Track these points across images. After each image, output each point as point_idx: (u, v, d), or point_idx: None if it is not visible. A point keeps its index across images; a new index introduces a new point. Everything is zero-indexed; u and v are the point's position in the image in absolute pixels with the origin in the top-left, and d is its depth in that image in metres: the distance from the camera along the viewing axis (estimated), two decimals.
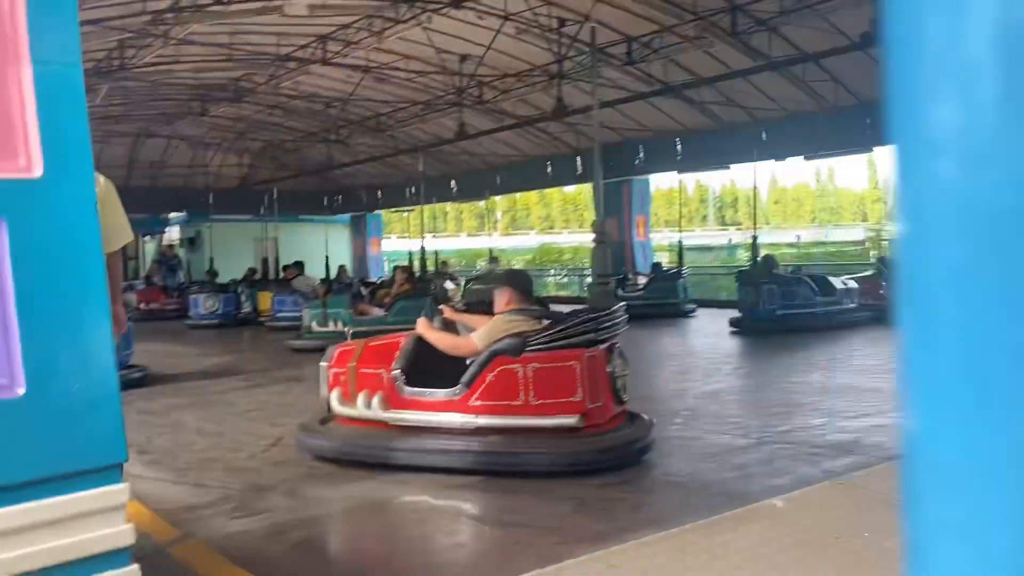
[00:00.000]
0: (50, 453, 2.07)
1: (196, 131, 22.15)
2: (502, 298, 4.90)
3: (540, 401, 4.48)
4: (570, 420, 4.41)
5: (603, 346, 4.63)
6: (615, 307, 4.90)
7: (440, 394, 4.63)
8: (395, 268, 15.04)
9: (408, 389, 4.73)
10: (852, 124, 14.29)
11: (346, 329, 5.34)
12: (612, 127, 17.60)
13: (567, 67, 14.39)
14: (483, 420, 4.52)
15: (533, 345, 4.52)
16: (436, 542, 3.57)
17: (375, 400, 4.74)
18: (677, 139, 17.33)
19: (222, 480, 4.57)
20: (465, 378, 4.59)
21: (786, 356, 9.35)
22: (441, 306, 5.25)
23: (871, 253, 21.89)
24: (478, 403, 4.54)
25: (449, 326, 5.01)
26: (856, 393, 6.72)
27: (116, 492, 2.15)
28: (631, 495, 4.11)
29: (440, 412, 4.60)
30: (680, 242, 15.82)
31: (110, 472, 2.16)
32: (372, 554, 3.49)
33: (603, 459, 4.41)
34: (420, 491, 4.25)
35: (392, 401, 4.74)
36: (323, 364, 5.14)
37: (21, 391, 2.04)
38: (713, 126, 16.50)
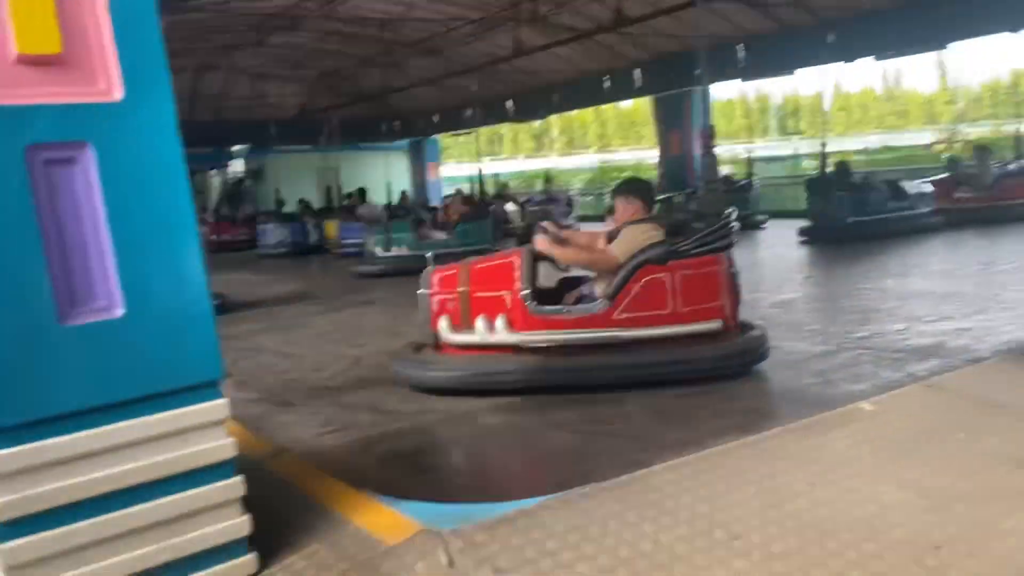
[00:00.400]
0: (152, 371, 2.13)
1: (254, 62, 22.18)
2: (629, 208, 4.76)
3: (688, 308, 4.46)
4: (716, 325, 4.47)
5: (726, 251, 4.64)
6: (730, 211, 4.80)
7: (579, 310, 4.51)
8: (454, 192, 15.05)
9: (540, 308, 4.52)
10: (926, 18, 13.52)
11: (428, 255, 5.15)
12: (670, 35, 17.02)
13: None
14: (629, 332, 4.43)
15: (678, 252, 4.49)
16: (520, 452, 3.63)
17: (499, 323, 4.50)
18: (739, 46, 16.68)
19: (307, 399, 4.71)
20: (609, 291, 4.47)
21: (859, 264, 9.11)
22: (545, 223, 4.99)
23: (943, 156, 20.97)
24: (623, 316, 4.44)
25: (560, 243, 4.80)
26: (935, 298, 6.53)
27: (216, 407, 2.22)
28: (710, 404, 4.09)
29: (580, 329, 4.46)
30: (750, 152, 15.33)
31: (209, 389, 2.22)
32: (458, 464, 3.57)
33: (735, 363, 4.47)
34: (498, 407, 4.30)
35: (520, 323, 4.49)
36: (422, 292, 4.77)
37: (120, 312, 2.10)
38: (777, 30, 15.81)
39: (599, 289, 4.59)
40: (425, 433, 3.99)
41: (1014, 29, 12.68)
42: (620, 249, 4.55)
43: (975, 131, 24.75)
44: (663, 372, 4.36)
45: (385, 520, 2.46)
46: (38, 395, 1.97)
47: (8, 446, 1.92)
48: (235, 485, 2.25)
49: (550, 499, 2.51)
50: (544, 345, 4.45)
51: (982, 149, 13.56)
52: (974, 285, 7.00)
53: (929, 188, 12.37)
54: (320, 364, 5.65)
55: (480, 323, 4.52)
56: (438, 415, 4.27)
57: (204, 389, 2.20)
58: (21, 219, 1.97)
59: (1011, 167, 12.67)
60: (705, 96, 16.97)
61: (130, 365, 2.10)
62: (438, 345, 4.71)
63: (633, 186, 4.98)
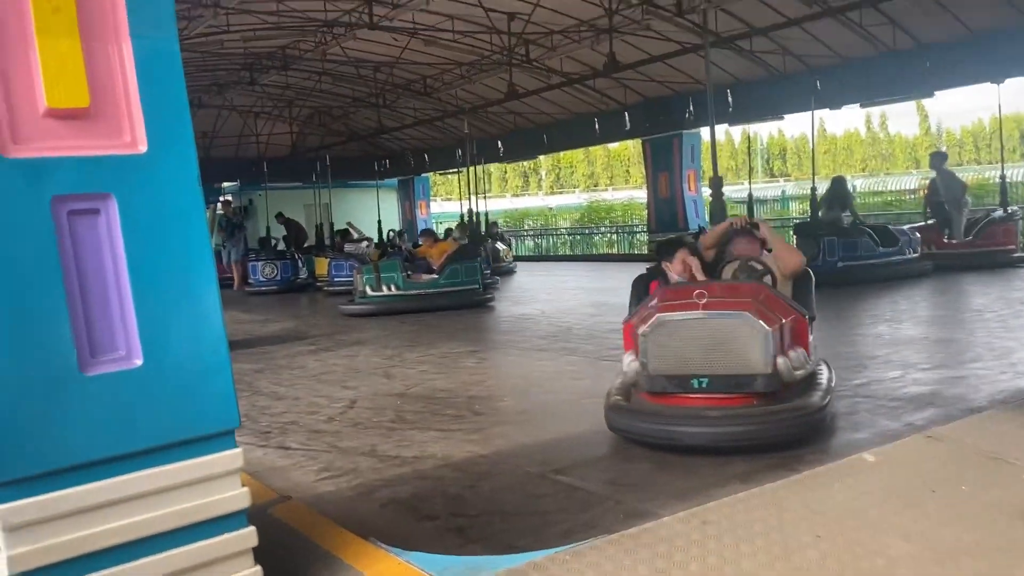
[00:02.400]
0: (169, 421, 2.14)
1: (246, 100, 22.37)
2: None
3: None
4: None
5: None
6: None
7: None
8: (447, 231, 15.10)
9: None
10: (911, 68, 13.86)
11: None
12: (662, 80, 17.32)
13: (616, 21, 14.14)
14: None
15: None
16: (521, 499, 3.61)
17: (802, 351, 4.17)
18: (728, 90, 16.98)
19: (304, 442, 4.69)
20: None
21: (851, 309, 9.20)
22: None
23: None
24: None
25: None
26: (929, 345, 6.60)
27: (232, 456, 2.22)
28: (712, 452, 4.09)
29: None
30: (750, 195, 15.45)
31: (225, 437, 2.23)
32: (460, 511, 3.54)
33: None
34: (494, 450, 4.31)
35: (808, 347, 4.26)
36: (767, 330, 3.91)
37: (139, 362, 2.11)
38: (765, 75, 16.13)
39: None
40: (425, 479, 3.97)
41: (996, 80, 13.00)
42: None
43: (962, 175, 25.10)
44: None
45: (394, 571, 2.46)
46: (58, 445, 1.97)
47: (27, 496, 1.92)
48: (248, 535, 2.25)
49: (561, 551, 2.51)
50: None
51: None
52: (966, 332, 7.08)
53: (916, 234, 12.54)
54: (315, 406, 5.64)
55: (795, 355, 4.07)
56: (436, 461, 4.26)
57: (221, 438, 2.21)
58: (45, 269, 1.99)
59: (996, 214, 12.86)
60: (697, 140, 17.15)
61: (148, 414, 2.11)
62: (771, 392, 3.98)
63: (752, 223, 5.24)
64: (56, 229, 2.02)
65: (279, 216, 19.51)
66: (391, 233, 18.39)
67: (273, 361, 7.74)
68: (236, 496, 2.22)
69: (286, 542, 2.72)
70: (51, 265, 2.00)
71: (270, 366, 7.46)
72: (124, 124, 2.14)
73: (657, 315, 4.11)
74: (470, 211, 16.85)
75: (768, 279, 4.57)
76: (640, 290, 5.26)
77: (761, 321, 3.92)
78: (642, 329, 4.12)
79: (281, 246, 18.88)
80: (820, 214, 12.70)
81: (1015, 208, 13.44)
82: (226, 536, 2.20)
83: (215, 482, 2.19)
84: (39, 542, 1.92)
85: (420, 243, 13.54)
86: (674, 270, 4.89)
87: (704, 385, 4.04)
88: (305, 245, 19.05)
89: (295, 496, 3.47)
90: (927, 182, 14.25)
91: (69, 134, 2.06)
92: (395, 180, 28.28)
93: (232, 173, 24.75)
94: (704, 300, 4.08)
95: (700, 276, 4.75)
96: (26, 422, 1.93)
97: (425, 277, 12.11)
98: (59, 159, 2.03)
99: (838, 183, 13.25)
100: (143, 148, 2.15)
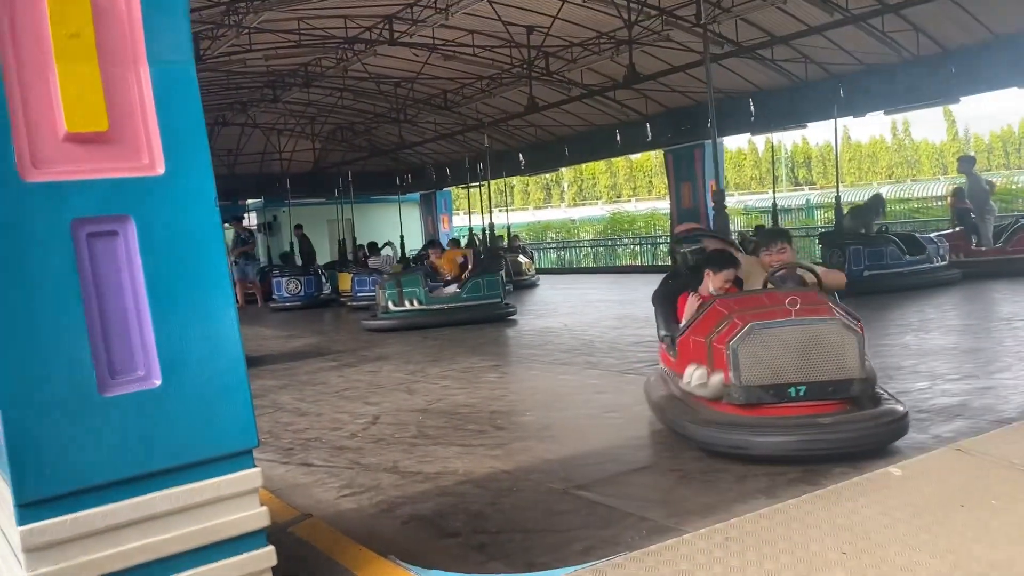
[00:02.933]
0: (187, 440, 2.15)
1: (269, 118, 22.60)
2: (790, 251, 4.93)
3: None
4: None
5: None
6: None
7: None
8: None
9: None
10: (935, 74, 13.72)
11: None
12: (683, 91, 17.27)
13: (635, 32, 14.14)
14: None
15: None
16: (542, 515, 3.59)
17: None
18: (750, 99, 16.91)
19: (326, 459, 4.70)
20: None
21: (877, 319, 9.08)
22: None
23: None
24: None
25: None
26: (957, 355, 6.50)
27: (250, 476, 2.23)
28: (733, 466, 4.05)
29: None
30: (774, 204, 15.33)
31: (243, 457, 2.24)
32: (479, 528, 3.53)
33: None
34: (516, 466, 4.29)
35: None
36: (859, 333, 4.10)
37: (157, 382, 2.12)
38: (787, 84, 16.04)
39: None
40: (447, 495, 3.96)
41: (1022, 84, 12.84)
42: None
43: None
44: None
45: None
46: (77, 465, 1.99)
47: (47, 517, 1.93)
48: (267, 555, 2.25)
49: (582, 569, 2.49)
50: None
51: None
52: (995, 341, 6.97)
53: (944, 242, 12.37)
54: (338, 423, 5.65)
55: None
56: (458, 477, 4.24)
57: (239, 457, 2.22)
58: (65, 291, 2.01)
59: None
60: (718, 149, 17.01)
61: (166, 435, 2.12)
62: (861, 396, 4.10)
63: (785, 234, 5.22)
64: (76, 251, 2.04)
65: (298, 228, 19.69)
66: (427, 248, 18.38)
67: (296, 377, 7.78)
68: (255, 515, 2.22)
69: (306, 561, 2.72)
70: (71, 287, 2.02)
71: (293, 382, 7.50)
72: (142, 147, 2.16)
73: (750, 324, 4.04)
74: (490, 224, 16.87)
75: (812, 284, 4.58)
76: (666, 303, 5.20)
77: (852, 325, 3.97)
78: (731, 341, 4.03)
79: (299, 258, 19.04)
80: (844, 220, 12.58)
81: None
82: (245, 556, 2.20)
83: (233, 501, 2.19)
84: (58, 563, 1.93)
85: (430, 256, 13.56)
86: (714, 283, 4.78)
87: (802, 393, 4.01)
88: (313, 264, 18.95)
89: (316, 514, 3.47)
90: (953, 188, 14.09)
91: (88, 158, 2.08)
92: (417, 194, 28.40)
93: (256, 190, 25.01)
94: (797, 307, 4.05)
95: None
96: (46, 443, 1.94)
97: (447, 291, 12.13)
98: (78, 182, 2.06)
99: (875, 200, 13.06)
100: (161, 170, 2.17)
